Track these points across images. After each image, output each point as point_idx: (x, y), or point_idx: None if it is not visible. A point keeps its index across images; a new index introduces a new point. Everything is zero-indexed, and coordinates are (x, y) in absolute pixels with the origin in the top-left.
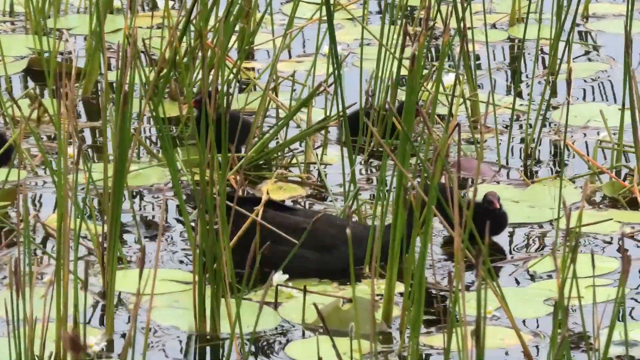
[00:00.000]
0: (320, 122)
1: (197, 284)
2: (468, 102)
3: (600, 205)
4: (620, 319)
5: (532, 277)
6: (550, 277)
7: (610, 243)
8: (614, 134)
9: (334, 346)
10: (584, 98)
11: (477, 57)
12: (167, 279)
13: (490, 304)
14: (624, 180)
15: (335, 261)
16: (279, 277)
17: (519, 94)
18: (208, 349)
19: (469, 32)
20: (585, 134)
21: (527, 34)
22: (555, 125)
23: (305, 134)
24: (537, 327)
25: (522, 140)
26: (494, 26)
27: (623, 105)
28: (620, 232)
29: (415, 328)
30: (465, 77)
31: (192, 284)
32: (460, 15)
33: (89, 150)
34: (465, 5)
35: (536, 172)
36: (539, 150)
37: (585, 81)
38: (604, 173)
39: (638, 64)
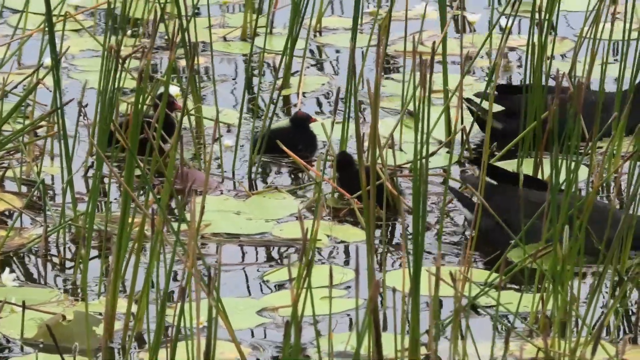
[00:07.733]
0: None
1: None
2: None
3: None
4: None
5: (264, 287)
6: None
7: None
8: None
9: None
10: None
11: (206, 71)
12: None
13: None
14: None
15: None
16: (6, 276)
17: (249, 108)
18: None
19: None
20: None
21: (262, 47)
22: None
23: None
24: (264, 337)
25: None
26: (225, 39)
27: (346, 116)
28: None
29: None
30: (190, 90)
31: None
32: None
33: None
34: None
35: (261, 182)
36: (262, 162)
37: (305, 94)
38: (327, 182)
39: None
